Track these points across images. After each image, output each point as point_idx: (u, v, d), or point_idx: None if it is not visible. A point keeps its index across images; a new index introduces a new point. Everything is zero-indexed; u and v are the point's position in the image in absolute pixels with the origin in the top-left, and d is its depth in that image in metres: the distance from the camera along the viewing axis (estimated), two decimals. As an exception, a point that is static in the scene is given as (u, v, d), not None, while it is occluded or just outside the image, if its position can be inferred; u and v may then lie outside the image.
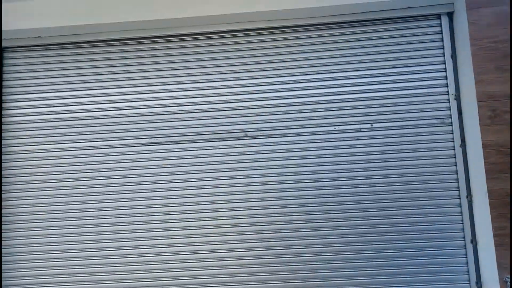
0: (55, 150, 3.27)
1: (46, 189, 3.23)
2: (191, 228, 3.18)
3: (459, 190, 3.13)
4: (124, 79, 3.31)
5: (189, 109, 3.27)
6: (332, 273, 3.10)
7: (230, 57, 3.30)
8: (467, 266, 3.08)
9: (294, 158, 3.20)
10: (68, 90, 3.30)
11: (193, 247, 3.16)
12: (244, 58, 3.30)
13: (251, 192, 3.18)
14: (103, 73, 3.31)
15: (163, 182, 3.22)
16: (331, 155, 3.18)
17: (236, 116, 3.25)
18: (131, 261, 3.16)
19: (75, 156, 3.26)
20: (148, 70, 3.31)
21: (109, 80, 3.31)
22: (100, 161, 3.25)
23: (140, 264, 3.16)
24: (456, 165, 3.14)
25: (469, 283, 3.06)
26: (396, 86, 3.21)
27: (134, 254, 3.16)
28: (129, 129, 3.26)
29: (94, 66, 3.32)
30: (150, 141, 3.25)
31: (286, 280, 3.12)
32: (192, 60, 3.31)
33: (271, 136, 3.23)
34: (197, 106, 3.27)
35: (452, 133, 3.15)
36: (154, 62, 3.32)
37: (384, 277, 3.09)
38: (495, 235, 2.86)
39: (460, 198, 3.12)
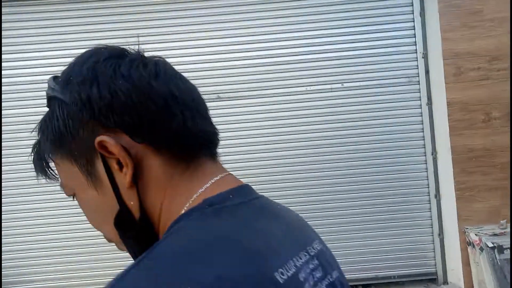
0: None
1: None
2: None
3: (424, 148, 3.24)
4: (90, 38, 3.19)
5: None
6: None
7: (200, 19, 3.21)
8: (431, 219, 3.25)
9: (266, 119, 3.21)
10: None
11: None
12: (215, 20, 3.22)
13: (223, 154, 3.20)
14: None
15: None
16: (304, 116, 3.21)
17: (208, 77, 3.21)
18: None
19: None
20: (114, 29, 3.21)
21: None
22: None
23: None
24: (422, 123, 3.23)
25: (432, 235, 3.24)
26: (366, 45, 3.22)
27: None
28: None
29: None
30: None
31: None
32: (162, 25, 3.21)
33: (243, 97, 3.22)
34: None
35: (419, 92, 3.22)
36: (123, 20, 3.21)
37: (354, 224, 3.23)
38: (456, 189, 3.00)
39: (425, 155, 3.24)
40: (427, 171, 3.24)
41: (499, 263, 2.70)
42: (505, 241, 2.76)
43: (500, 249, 2.73)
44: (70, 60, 0.57)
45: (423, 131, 3.23)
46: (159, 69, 0.57)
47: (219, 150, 0.63)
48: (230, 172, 0.62)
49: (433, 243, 3.24)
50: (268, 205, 0.61)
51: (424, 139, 3.24)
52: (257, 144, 3.22)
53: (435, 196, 3.22)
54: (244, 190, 0.59)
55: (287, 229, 0.58)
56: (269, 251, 0.49)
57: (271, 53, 3.22)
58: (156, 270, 0.43)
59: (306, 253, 0.56)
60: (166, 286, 0.41)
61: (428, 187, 3.24)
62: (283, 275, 0.48)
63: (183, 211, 0.53)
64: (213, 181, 0.57)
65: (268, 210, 0.60)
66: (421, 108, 3.22)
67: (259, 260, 0.47)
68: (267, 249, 0.50)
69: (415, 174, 3.25)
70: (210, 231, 0.48)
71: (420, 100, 3.21)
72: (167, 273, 0.42)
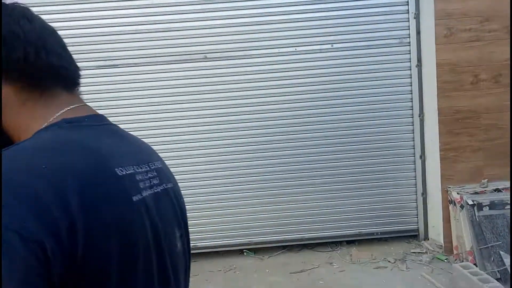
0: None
1: None
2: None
3: (412, 109, 3.27)
4: (80, 2, 3.05)
5: (145, 30, 3.10)
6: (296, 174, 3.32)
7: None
8: (415, 179, 3.35)
9: (255, 80, 3.18)
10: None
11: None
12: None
13: (211, 116, 3.20)
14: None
15: (121, 106, 3.16)
16: (292, 77, 3.19)
17: (195, 36, 3.13)
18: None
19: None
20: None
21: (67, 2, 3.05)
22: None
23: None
24: (411, 85, 3.24)
25: (416, 194, 3.35)
26: (357, 4, 3.14)
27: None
28: (83, 50, 3.08)
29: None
30: (105, 64, 3.12)
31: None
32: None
33: (231, 58, 3.16)
34: (154, 26, 3.10)
35: (410, 53, 3.19)
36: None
37: (340, 184, 3.31)
38: (441, 150, 3.07)
39: (413, 117, 3.28)
40: (413, 133, 3.30)
41: (477, 219, 2.83)
42: (484, 199, 2.88)
43: (480, 206, 2.85)
44: None
45: (411, 93, 3.25)
46: (6, 13, 0.63)
47: (81, 88, 0.71)
48: (88, 104, 0.70)
49: (416, 202, 3.36)
50: (120, 130, 0.72)
51: (412, 101, 3.26)
52: (244, 105, 3.21)
53: (420, 157, 3.29)
54: (99, 117, 0.69)
55: (133, 148, 0.70)
56: (113, 155, 0.62)
57: (258, 12, 3.13)
58: (18, 156, 0.54)
59: (146, 166, 0.68)
60: (25, 166, 0.52)
61: (414, 148, 3.31)
62: (122, 171, 0.61)
63: (42, 128, 0.63)
64: (70, 108, 0.66)
65: (118, 133, 0.70)
66: (410, 70, 3.21)
67: (102, 158, 0.60)
68: (111, 154, 0.62)
69: (402, 135, 3.30)
70: (64, 137, 0.60)
71: (410, 61, 3.19)
72: (27, 158, 0.54)
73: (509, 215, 2.78)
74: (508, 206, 2.83)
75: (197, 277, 3.00)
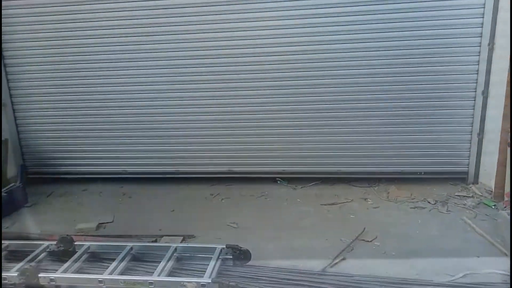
0: None
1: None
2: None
3: (481, 37, 2.81)
4: None
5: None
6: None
7: None
8: (473, 117, 2.99)
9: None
10: None
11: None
12: None
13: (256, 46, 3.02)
14: None
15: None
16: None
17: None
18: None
19: None
20: None
21: None
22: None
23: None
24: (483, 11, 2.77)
25: (471, 134, 3.02)
26: None
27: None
28: None
29: None
30: None
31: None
32: None
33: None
34: None
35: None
36: None
37: (389, 118, 3.07)
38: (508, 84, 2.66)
39: (480, 46, 2.83)
40: (478, 64, 2.87)
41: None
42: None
43: (544, 152, 2.50)
44: None
45: (483, 17, 2.78)
46: None
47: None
48: None
49: (470, 142, 3.04)
50: None
51: (482, 27, 2.79)
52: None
53: (482, 92, 2.90)
54: None
55: None
56: None
57: None
58: None
59: None
60: None
61: (477, 83, 2.91)
62: None
63: None
64: None
65: None
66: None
67: None
68: None
69: (465, 67, 2.90)
70: None
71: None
72: None
73: None
74: None
75: (229, 200, 3.06)
